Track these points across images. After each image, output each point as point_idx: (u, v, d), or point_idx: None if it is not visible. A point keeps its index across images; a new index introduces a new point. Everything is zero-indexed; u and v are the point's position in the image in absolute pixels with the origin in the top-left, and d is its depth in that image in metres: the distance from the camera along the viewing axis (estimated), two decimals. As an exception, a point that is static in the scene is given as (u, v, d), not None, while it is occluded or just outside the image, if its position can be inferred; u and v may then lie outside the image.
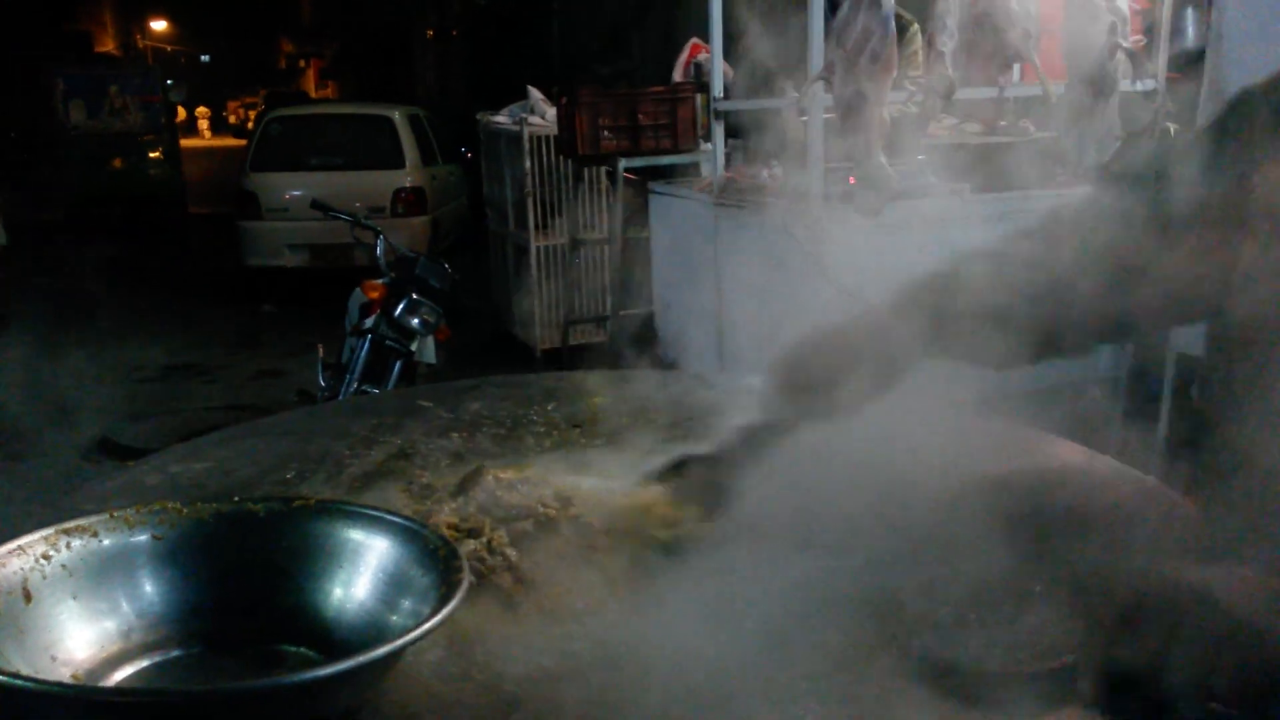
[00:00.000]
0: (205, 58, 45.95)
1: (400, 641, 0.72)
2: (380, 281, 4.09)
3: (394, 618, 0.81)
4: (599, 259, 6.03)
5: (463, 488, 1.19)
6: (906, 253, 3.51)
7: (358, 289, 4.24)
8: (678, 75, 6.08)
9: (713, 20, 4.03)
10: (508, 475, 1.21)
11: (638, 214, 5.21)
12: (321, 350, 4.36)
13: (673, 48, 6.54)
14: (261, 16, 39.02)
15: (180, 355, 6.89)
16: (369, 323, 3.96)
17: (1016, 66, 4.19)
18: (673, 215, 4.58)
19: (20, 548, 0.81)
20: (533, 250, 6.07)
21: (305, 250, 8.20)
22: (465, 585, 0.79)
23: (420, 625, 0.73)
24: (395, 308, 3.91)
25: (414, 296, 3.91)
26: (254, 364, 6.68)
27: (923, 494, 1.04)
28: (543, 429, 1.46)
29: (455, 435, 1.43)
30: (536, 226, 6.06)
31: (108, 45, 34.96)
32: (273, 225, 8.27)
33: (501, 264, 6.77)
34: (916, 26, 4.08)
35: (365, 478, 1.27)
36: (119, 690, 0.77)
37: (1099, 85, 3.55)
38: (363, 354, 3.87)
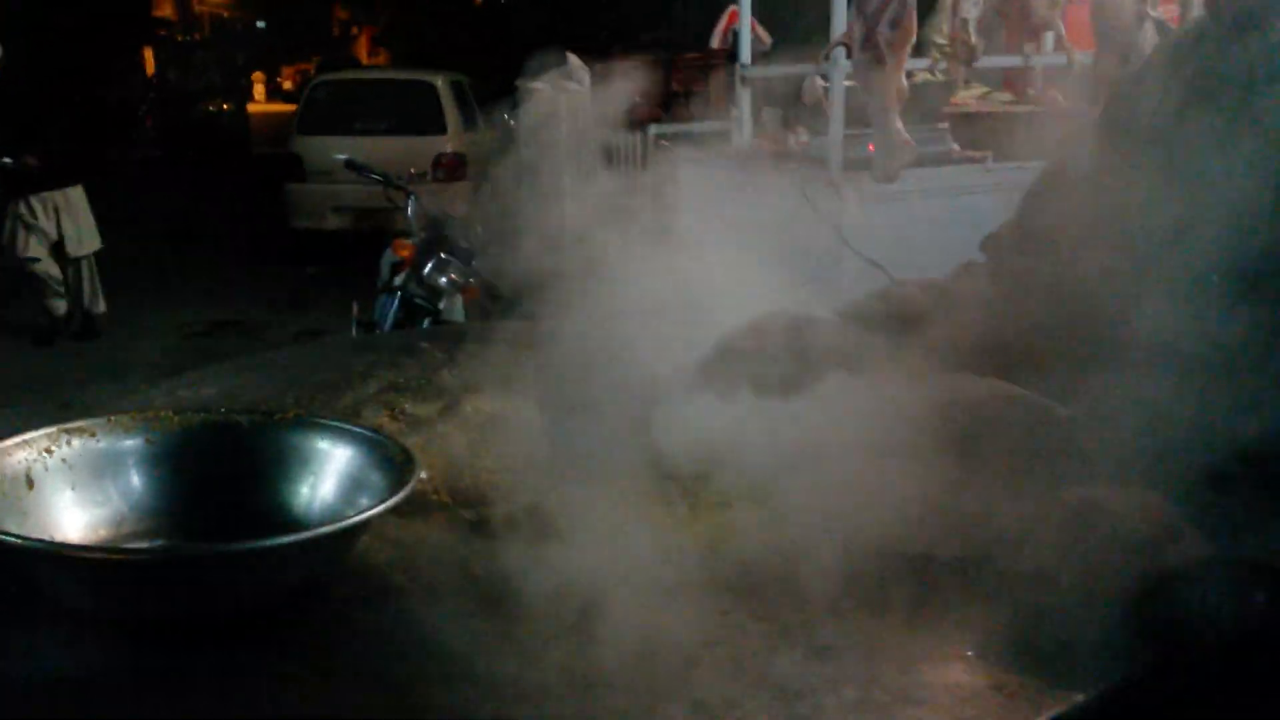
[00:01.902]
0: (261, 24, 46.44)
1: (332, 527, 0.84)
2: (410, 241, 4.20)
3: (350, 512, 0.90)
4: (632, 225, 6.10)
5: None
6: (921, 218, 3.54)
7: (388, 248, 4.36)
8: (715, 42, 6.10)
9: (742, -14, 4.06)
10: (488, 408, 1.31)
11: (669, 181, 5.27)
12: (356, 308, 4.50)
13: (716, 14, 6.55)
14: (316, -17, 39.32)
15: (226, 312, 7.11)
16: (398, 280, 4.07)
17: (1051, 35, 4.16)
18: (699, 181, 4.62)
19: (25, 441, 0.92)
20: (566, 215, 6.14)
21: (349, 213, 8.36)
22: (412, 484, 0.88)
23: (360, 514, 0.83)
24: (424, 266, 4.02)
25: (442, 256, 4.01)
26: (296, 324, 6.87)
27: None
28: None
29: (446, 373, 1.52)
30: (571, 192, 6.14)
31: (165, 10, 35.45)
32: (317, 188, 8.45)
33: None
34: (946, -7, 4.06)
35: (356, 406, 1.37)
36: (89, 547, 0.88)
37: (1127, 55, 3.52)
38: (392, 311, 3.99)
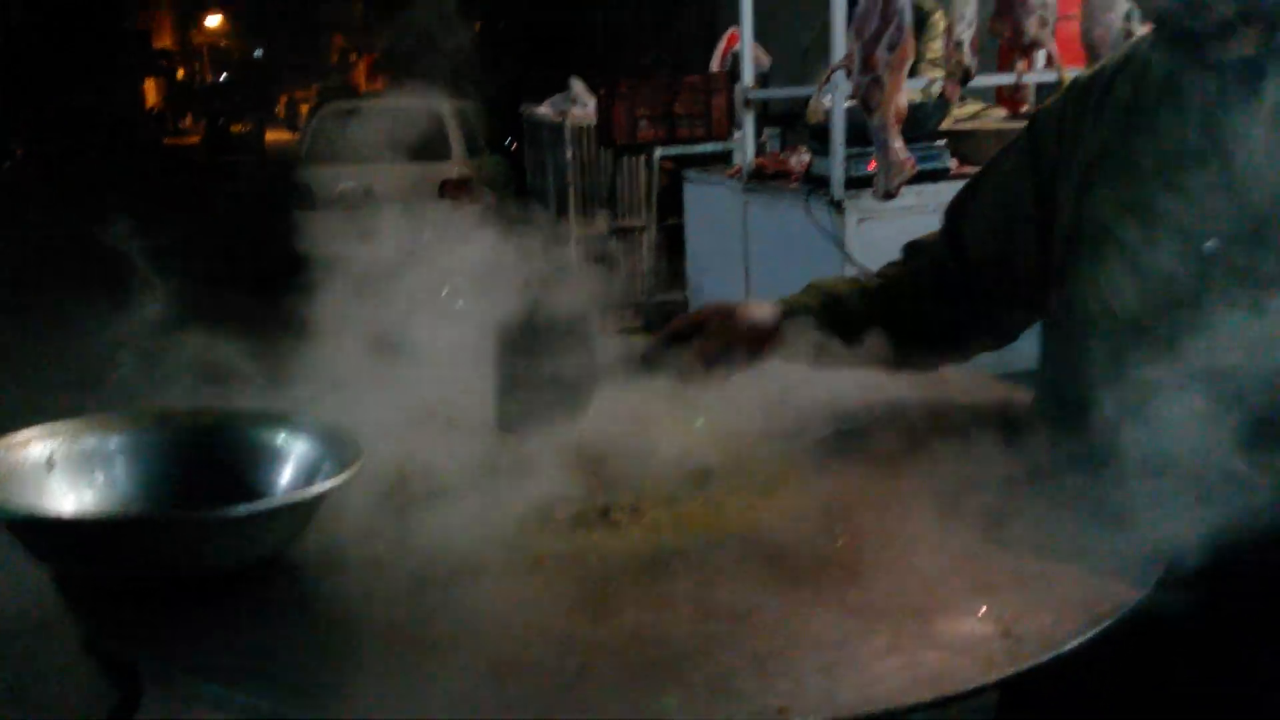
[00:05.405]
0: (258, 53, 46.84)
1: (272, 504, 1.01)
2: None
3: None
4: (637, 246, 6.24)
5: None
6: (922, 233, 3.67)
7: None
8: (715, 65, 6.25)
9: (743, 11, 4.20)
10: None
11: (674, 202, 5.42)
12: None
13: (715, 38, 6.72)
14: (314, 12, 39.74)
15: (244, 342, 7.24)
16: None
17: (1043, 52, 4.30)
18: (705, 202, 4.77)
19: (51, 431, 1.08)
20: (573, 239, 6.29)
21: (357, 239, 8.51)
22: (357, 467, 1.02)
23: (304, 493, 1.00)
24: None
25: (459, 278, 4.15)
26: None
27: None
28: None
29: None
30: (577, 215, 6.29)
31: (165, 41, 35.84)
32: (326, 215, 8.60)
33: (544, 251, 7.01)
34: (940, 15, 4.22)
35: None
36: (84, 517, 1.03)
37: (1115, 70, 3.65)
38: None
